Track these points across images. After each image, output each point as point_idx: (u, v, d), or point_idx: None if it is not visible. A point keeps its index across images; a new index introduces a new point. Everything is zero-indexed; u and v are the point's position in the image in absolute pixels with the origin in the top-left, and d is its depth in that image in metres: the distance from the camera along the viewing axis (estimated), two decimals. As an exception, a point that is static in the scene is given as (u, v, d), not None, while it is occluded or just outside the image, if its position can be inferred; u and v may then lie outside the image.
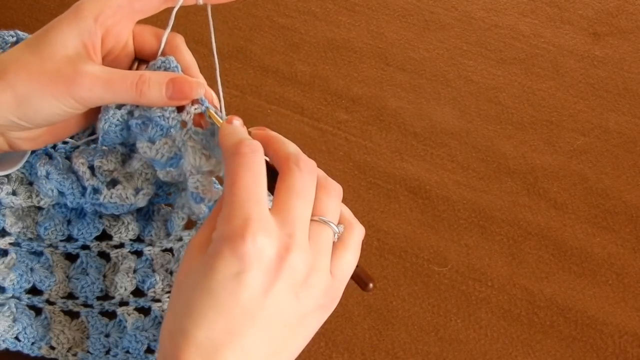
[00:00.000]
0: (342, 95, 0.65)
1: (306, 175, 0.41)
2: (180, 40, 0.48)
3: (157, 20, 0.47)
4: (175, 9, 0.46)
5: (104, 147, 0.51)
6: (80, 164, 0.50)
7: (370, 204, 0.59)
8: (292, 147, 0.43)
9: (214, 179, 0.49)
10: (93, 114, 0.48)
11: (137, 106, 0.46)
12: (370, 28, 0.70)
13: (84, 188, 0.51)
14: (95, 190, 0.50)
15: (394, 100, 0.65)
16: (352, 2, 0.72)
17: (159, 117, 0.46)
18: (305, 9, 0.71)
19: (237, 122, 0.44)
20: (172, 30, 0.47)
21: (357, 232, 0.44)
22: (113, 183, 0.51)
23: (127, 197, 0.51)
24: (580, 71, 0.68)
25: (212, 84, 0.48)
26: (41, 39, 0.44)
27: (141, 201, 0.52)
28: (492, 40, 0.70)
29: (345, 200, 0.58)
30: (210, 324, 0.37)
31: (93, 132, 0.53)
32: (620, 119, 0.65)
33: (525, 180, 0.61)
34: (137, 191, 0.51)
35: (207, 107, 0.45)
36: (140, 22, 0.47)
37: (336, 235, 0.42)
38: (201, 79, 0.47)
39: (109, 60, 0.47)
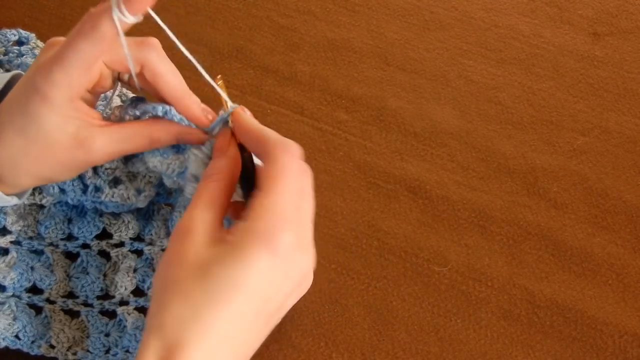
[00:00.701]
0: (342, 95, 0.65)
1: (296, 160, 0.43)
2: (155, 44, 0.45)
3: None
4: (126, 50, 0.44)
5: None
6: None
7: (370, 204, 0.59)
8: (273, 134, 0.43)
9: None
10: None
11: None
12: (370, 28, 0.70)
13: (86, 186, 0.51)
14: (97, 189, 0.51)
15: (394, 100, 0.65)
16: (352, 2, 0.72)
17: None
18: (305, 9, 0.71)
19: (248, 112, 0.46)
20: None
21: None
22: (115, 182, 0.51)
23: (128, 198, 0.51)
24: (580, 71, 0.68)
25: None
26: (35, 127, 0.43)
27: (142, 202, 0.52)
28: (492, 40, 0.70)
29: (345, 200, 0.58)
30: (230, 316, 0.38)
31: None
32: (620, 119, 0.65)
33: (525, 180, 0.61)
34: (139, 192, 0.51)
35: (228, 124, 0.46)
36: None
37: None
38: (185, 89, 0.46)
39: (93, 93, 0.47)
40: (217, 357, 0.38)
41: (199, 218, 0.40)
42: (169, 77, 0.45)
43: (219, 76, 0.46)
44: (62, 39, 0.44)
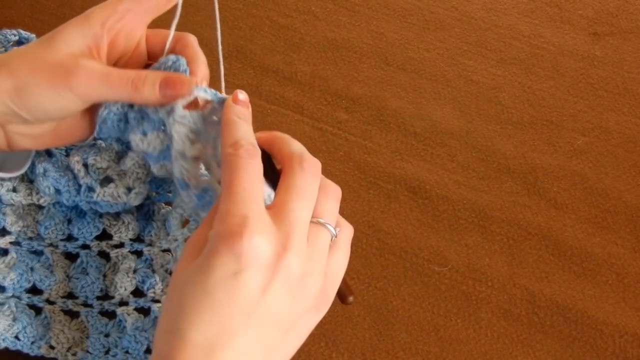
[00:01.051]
0: (342, 95, 0.65)
1: (309, 176, 0.41)
2: (191, 39, 0.48)
3: (165, 21, 0.47)
4: (180, 2, 0.46)
5: (99, 144, 0.51)
6: (75, 162, 0.50)
7: (370, 204, 0.59)
8: (296, 146, 0.42)
9: (202, 167, 0.49)
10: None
11: None
12: (370, 28, 0.70)
13: (80, 186, 0.51)
14: (90, 188, 0.50)
15: (394, 100, 0.65)
16: (352, 2, 0.72)
17: (151, 110, 0.46)
18: (305, 9, 0.71)
19: (242, 95, 0.44)
20: (175, 29, 0.47)
21: (348, 233, 0.44)
22: (107, 180, 0.51)
23: (119, 196, 0.51)
24: (580, 71, 0.68)
25: (214, 82, 0.48)
26: (49, 37, 0.45)
27: (134, 200, 0.52)
28: (492, 40, 0.70)
29: (345, 200, 0.58)
30: (207, 324, 0.37)
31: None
32: (620, 119, 0.65)
33: (525, 180, 0.61)
34: (129, 190, 0.51)
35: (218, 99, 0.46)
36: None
37: (333, 238, 0.42)
38: (205, 76, 0.47)
39: (121, 63, 0.47)
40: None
41: (201, 234, 0.40)
42: (199, 62, 0.47)
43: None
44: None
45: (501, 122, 0.65)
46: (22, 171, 0.51)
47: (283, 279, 0.38)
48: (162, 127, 0.46)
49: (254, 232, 0.37)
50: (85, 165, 0.51)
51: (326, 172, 0.45)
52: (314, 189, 0.41)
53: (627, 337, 0.54)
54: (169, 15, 0.47)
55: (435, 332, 0.54)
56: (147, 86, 0.44)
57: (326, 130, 0.63)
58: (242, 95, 0.44)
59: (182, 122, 0.45)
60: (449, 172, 0.62)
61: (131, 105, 0.47)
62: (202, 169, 0.47)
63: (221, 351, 0.37)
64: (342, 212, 0.58)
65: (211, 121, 0.45)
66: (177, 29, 0.48)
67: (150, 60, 0.49)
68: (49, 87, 0.44)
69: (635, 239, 0.59)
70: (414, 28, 0.71)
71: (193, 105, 0.46)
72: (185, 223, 0.52)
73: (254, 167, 0.40)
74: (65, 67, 0.43)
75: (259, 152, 0.41)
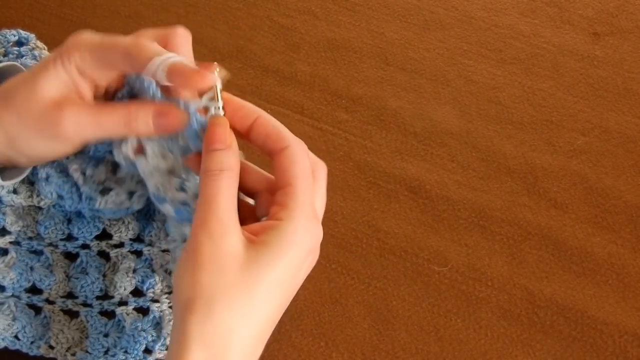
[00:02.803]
0: (342, 95, 0.65)
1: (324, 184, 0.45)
2: (183, 39, 0.46)
3: (164, 21, 0.47)
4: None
5: (92, 156, 0.50)
6: (74, 170, 0.50)
7: (370, 204, 0.59)
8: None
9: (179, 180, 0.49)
10: None
11: None
12: (370, 28, 0.70)
13: (81, 193, 0.51)
14: (90, 198, 0.50)
15: (394, 100, 0.65)
16: (352, 2, 0.72)
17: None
18: (305, 9, 0.71)
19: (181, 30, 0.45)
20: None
21: (324, 170, 0.46)
22: (107, 190, 0.51)
23: (122, 202, 0.50)
24: (580, 71, 0.68)
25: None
26: (30, 80, 0.43)
27: (137, 204, 0.52)
28: (492, 40, 0.70)
29: (345, 200, 0.58)
30: (275, 311, 0.40)
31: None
32: (620, 119, 0.65)
33: (525, 180, 0.61)
34: (131, 194, 0.51)
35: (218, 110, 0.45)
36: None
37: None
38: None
39: (111, 89, 0.46)
40: (255, 353, 0.40)
41: (231, 218, 0.40)
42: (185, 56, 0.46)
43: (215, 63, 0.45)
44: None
45: (501, 122, 0.65)
46: (22, 177, 0.51)
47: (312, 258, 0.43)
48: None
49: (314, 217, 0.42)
50: (84, 174, 0.50)
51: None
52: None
53: (627, 337, 0.54)
54: (169, 16, 0.47)
55: (435, 332, 0.54)
56: (140, 123, 0.43)
57: (326, 130, 0.63)
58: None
59: (153, 138, 0.45)
60: (449, 172, 0.62)
61: None
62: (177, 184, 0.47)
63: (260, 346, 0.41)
64: (342, 212, 0.59)
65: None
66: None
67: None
68: (40, 138, 0.43)
69: (635, 239, 0.59)
70: (414, 28, 0.71)
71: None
72: None
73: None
74: (50, 120, 0.43)
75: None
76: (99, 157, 0.50)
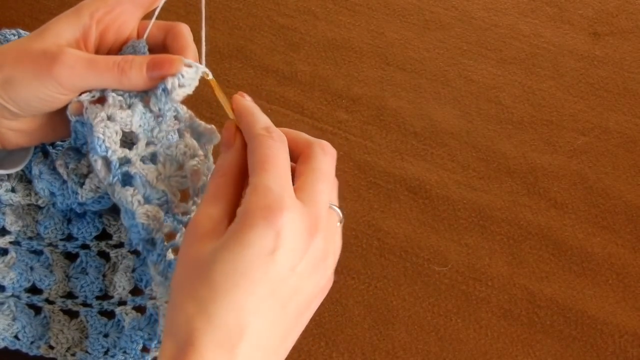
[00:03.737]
0: (342, 95, 0.65)
1: (330, 160, 0.42)
2: (183, 29, 0.47)
3: (165, 17, 0.47)
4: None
5: (78, 150, 0.50)
6: (59, 165, 0.50)
7: (370, 203, 0.59)
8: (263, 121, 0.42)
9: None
10: None
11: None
12: (370, 28, 0.70)
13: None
14: (74, 192, 0.50)
15: (394, 100, 0.65)
16: (352, 1, 0.72)
17: (97, 137, 0.45)
18: (305, 8, 0.71)
19: (249, 100, 0.44)
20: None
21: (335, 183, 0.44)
22: (83, 178, 0.50)
23: (98, 187, 0.49)
24: (580, 71, 0.68)
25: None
26: (39, 30, 0.45)
27: None
28: (492, 40, 0.70)
29: (345, 200, 0.58)
30: (240, 304, 0.36)
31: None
32: (620, 119, 0.65)
33: (525, 180, 0.61)
34: None
35: (211, 78, 0.45)
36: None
37: (340, 222, 0.43)
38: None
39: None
40: (234, 351, 0.36)
41: (205, 214, 0.39)
42: (188, 53, 0.47)
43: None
44: None
45: (501, 122, 0.65)
46: (19, 168, 0.51)
47: (311, 258, 0.38)
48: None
49: (291, 209, 0.37)
50: (68, 168, 0.50)
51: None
52: (333, 173, 0.42)
53: (627, 337, 0.54)
54: (169, 16, 0.47)
55: (435, 332, 0.54)
56: (134, 69, 0.43)
57: (326, 130, 0.63)
58: (248, 99, 0.45)
59: (119, 92, 0.45)
60: (449, 172, 0.62)
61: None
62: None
63: (247, 332, 0.36)
64: (343, 212, 0.58)
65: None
66: (176, 28, 0.48)
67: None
68: (33, 77, 0.43)
69: (635, 239, 0.59)
70: (414, 28, 0.71)
71: (100, 100, 0.45)
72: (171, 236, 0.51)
73: (285, 152, 0.40)
74: (48, 55, 0.43)
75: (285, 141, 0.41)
76: (81, 151, 0.50)
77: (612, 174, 0.62)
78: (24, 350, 0.50)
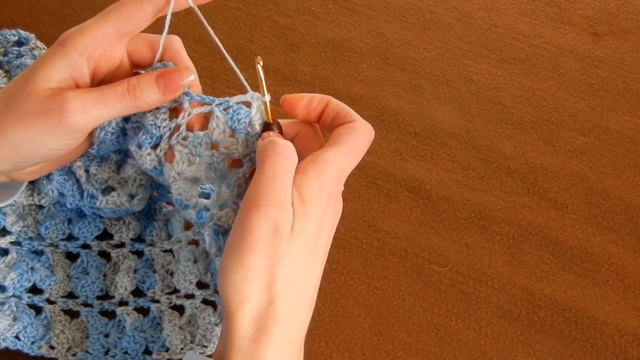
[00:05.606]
0: (342, 95, 0.65)
1: (369, 141, 0.46)
2: (179, 45, 0.47)
3: (154, 25, 0.47)
4: (168, 18, 0.45)
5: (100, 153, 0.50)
6: (77, 167, 0.50)
7: (370, 204, 0.59)
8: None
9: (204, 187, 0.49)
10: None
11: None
12: (370, 28, 0.70)
13: (84, 190, 0.51)
14: (92, 196, 0.50)
15: (394, 100, 0.65)
16: (352, 2, 0.72)
17: (150, 124, 0.45)
18: (305, 9, 0.71)
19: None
20: (169, 32, 0.46)
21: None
22: (109, 190, 0.51)
23: (121, 204, 0.51)
24: (580, 71, 0.68)
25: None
26: (27, 76, 0.43)
27: (137, 206, 0.52)
28: (492, 40, 0.70)
29: (345, 200, 0.58)
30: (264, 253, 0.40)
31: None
32: (620, 119, 0.65)
33: (525, 180, 0.61)
34: (132, 197, 0.51)
35: (265, 102, 0.47)
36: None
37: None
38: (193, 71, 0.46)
39: (105, 83, 0.46)
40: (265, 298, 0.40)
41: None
42: (180, 59, 0.47)
43: (258, 58, 0.46)
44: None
45: (501, 122, 0.65)
46: (16, 197, 0.50)
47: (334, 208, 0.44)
48: (158, 142, 0.46)
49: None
50: (87, 172, 0.50)
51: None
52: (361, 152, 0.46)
53: (627, 337, 0.54)
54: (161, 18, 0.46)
55: (435, 332, 0.54)
56: (145, 90, 0.43)
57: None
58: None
59: (183, 142, 0.45)
60: (449, 172, 0.62)
61: (126, 119, 0.47)
62: (200, 189, 0.47)
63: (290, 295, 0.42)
64: (342, 212, 0.58)
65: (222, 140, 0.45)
66: (177, 29, 0.48)
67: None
68: (44, 133, 0.42)
69: (635, 239, 0.59)
70: (414, 28, 0.71)
71: (175, 111, 0.45)
72: (191, 225, 0.52)
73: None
74: (53, 107, 0.41)
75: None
76: (103, 155, 0.51)
77: (612, 174, 0.62)
78: (25, 350, 0.50)
